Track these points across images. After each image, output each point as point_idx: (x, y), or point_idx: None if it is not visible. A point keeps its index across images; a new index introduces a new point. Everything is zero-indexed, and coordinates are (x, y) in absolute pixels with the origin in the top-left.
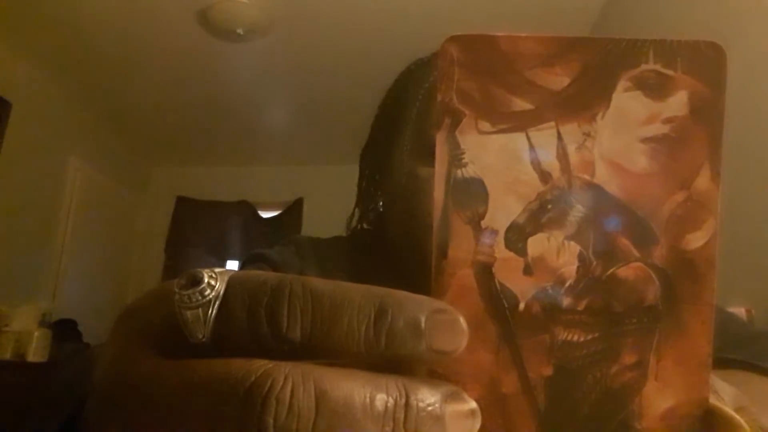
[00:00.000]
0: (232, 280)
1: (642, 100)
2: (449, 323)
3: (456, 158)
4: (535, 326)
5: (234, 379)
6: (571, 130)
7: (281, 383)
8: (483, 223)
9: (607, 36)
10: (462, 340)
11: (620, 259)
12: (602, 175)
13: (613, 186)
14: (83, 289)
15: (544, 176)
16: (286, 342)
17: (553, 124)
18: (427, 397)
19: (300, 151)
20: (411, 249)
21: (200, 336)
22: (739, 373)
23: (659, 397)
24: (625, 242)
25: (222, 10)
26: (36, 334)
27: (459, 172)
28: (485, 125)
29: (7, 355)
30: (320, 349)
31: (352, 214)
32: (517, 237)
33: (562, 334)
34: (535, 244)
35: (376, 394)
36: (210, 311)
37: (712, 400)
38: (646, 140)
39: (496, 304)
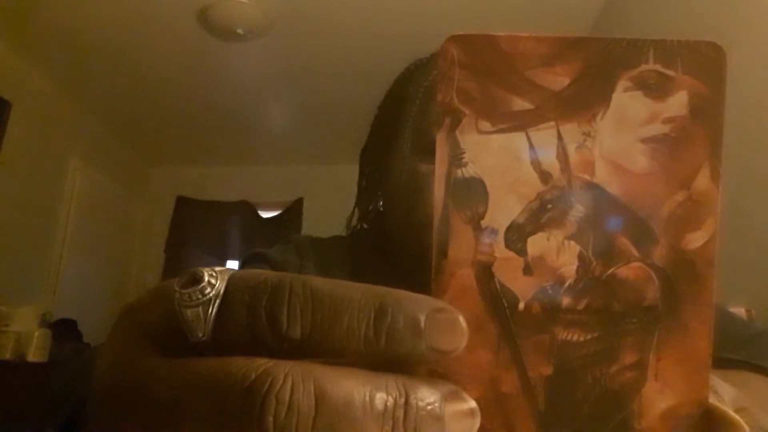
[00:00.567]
0: (233, 279)
1: (642, 100)
2: (449, 323)
3: (456, 158)
4: (534, 326)
5: (234, 377)
6: (571, 130)
7: (281, 382)
8: (483, 223)
9: (607, 36)
10: (462, 339)
11: (620, 258)
12: (602, 175)
13: (613, 186)
14: (83, 289)
15: (544, 176)
16: (286, 341)
17: (553, 123)
18: (427, 397)
19: (300, 151)
20: (410, 248)
21: (200, 335)
22: (739, 373)
23: (659, 397)
24: (625, 242)
25: (222, 10)
26: (36, 334)
27: (459, 171)
28: (485, 125)
29: (7, 355)
30: (320, 348)
31: (352, 213)
32: (517, 237)
33: (562, 334)
34: (535, 244)
35: (375, 393)
36: (210, 310)
37: (712, 400)
38: (646, 140)
39: (496, 304)
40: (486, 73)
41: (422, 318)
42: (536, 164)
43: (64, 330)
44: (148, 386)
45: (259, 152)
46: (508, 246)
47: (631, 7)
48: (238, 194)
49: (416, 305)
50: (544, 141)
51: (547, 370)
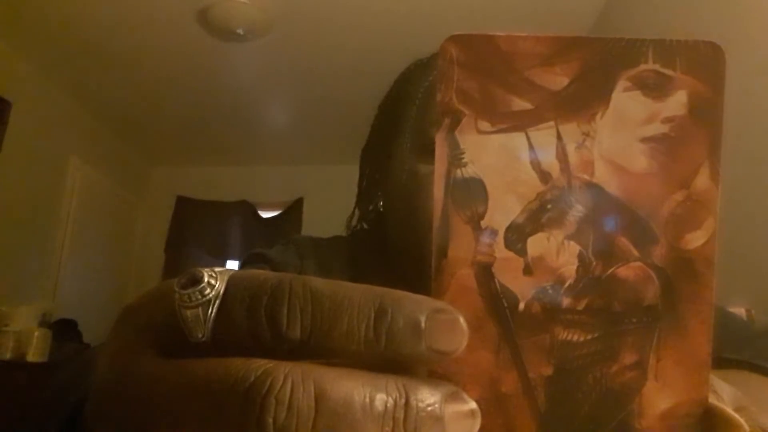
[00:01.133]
0: (232, 280)
1: (641, 100)
2: (449, 323)
3: (456, 158)
4: (535, 326)
5: (233, 378)
6: (570, 130)
7: (281, 383)
8: (483, 223)
9: (606, 36)
10: (462, 340)
11: (620, 258)
12: (602, 175)
13: (612, 185)
14: (83, 289)
15: (544, 176)
16: (286, 341)
17: (552, 123)
18: (427, 397)
19: (300, 151)
20: (410, 248)
21: (200, 335)
22: (739, 373)
23: (659, 397)
24: (624, 242)
25: (222, 10)
26: (36, 334)
27: (459, 171)
28: (485, 125)
29: (7, 355)
30: (320, 348)
31: (352, 213)
32: (516, 237)
33: (562, 334)
34: (535, 244)
35: (375, 394)
36: (210, 310)
37: (712, 400)
38: (645, 140)
39: (496, 304)
40: (485, 73)
41: (422, 318)
42: (536, 164)
43: (64, 330)
44: (148, 387)
45: (259, 152)
46: (507, 246)
47: (631, 7)
48: (238, 194)
49: (416, 306)
50: (544, 141)
51: (548, 371)
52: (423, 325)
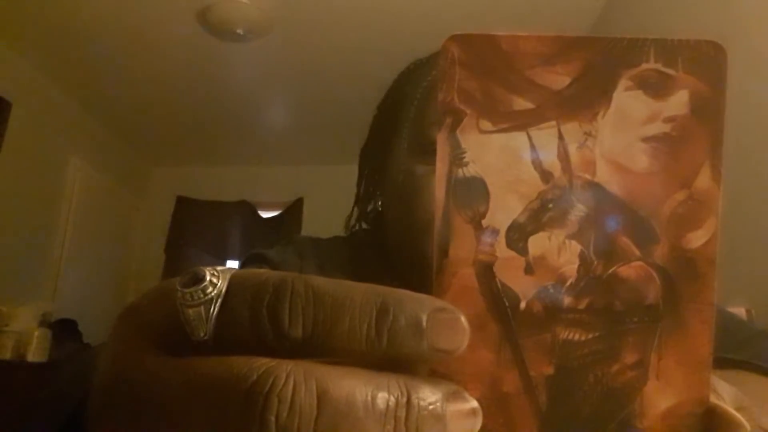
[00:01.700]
0: (234, 278)
1: (643, 99)
2: (450, 322)
3: (457, 158)
4: (536, 325)
5: (236, 377)
6: (572, 130)
7: (283, 381)
8: (484, 223)
9: (607, 35)
10: (463, 339)
11: (621, 258)
12: (603, 175)
13: (614, 185)
14: (83, 289)
15: (545, 175)
16: (288, 340)
17: (554, 123)
18: (429, 396)
19: (300, 151)
20: (409, 247)
21: (202, 334)
22: (739, 373)
23: (660, 396)
24: (626, 241)
25: (222, 10)
26: (36, 334)
27: (460, 171)
28: (486, 124)
29: (7, 355)
30: (322, 347)
31: (351, 213)
32: (518, 236)
33: (563, 333)
34: (536, 244)
35: (377, 393)
36: (212, 309)
37: (712, 399)
38: (647, 139)
39: (497, 304)
40: (487, 72)
41: (424, 318)
42: (537, 164)
43: (64, 330)
44: (150, 386)
45: (259, 152)
46: (509, 245)
47: (631, 7)
48: (238, 194)
49: (418, 305)
50: (545, 140)
51: (549, 370)
52: (424, 324)
